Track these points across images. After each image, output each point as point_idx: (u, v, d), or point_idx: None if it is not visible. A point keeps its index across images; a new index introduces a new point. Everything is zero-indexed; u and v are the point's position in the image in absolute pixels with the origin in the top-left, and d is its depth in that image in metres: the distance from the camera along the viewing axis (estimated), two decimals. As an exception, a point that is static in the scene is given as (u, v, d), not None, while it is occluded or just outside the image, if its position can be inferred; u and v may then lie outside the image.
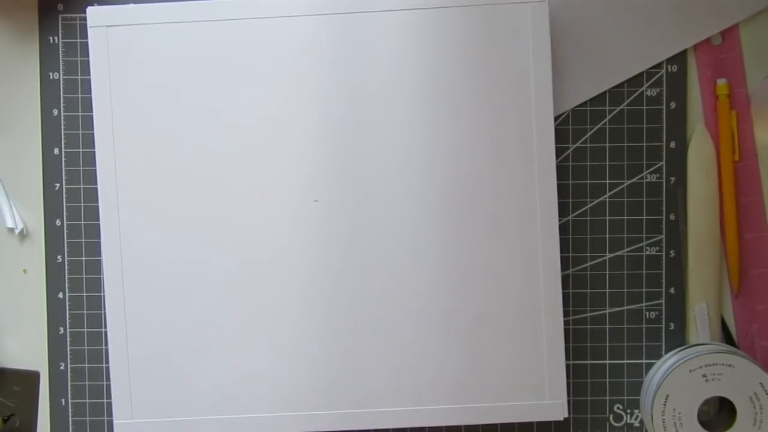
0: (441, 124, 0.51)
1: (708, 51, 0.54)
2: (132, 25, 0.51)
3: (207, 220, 0.51)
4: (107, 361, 0.55)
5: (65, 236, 0.55)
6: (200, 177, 0.51)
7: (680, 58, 0.54)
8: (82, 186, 0.55)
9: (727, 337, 0.54)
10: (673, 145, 0.54)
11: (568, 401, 0.55)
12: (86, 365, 0.55)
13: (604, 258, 0.54)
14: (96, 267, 0.55)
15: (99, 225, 0.52)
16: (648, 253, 0.54)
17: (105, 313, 0.54)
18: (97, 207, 0.54)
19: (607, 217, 0.54)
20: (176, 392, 0.51)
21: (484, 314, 0.51)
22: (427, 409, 0.51)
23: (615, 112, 0.54)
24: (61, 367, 0.55)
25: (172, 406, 0.51)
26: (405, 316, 0.51)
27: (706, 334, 0.54)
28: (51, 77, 0.55)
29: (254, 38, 0.51)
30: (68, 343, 0.55)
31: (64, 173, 0.55)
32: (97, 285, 0.55)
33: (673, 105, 0.54)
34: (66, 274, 0.55)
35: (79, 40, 0.54)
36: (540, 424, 0.55)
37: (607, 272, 0.54)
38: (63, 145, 0.55)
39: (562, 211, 0.54)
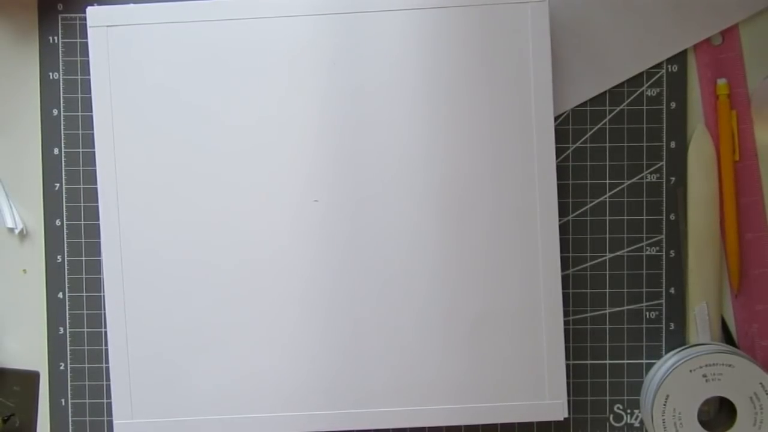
0: (441, 124, 0.51)
1: (708, 51, 0.54)
2: (132, 25, 0.51)
3: (207, 220, 0.51)
4: (107, 361, 0.55)
5: (65, 236, 0.55)
6: (200, 177, 0.51)
7: (680, 58, 0.54)
8: (82, 186, 0.55)
9: (727, 337, 0.54)
10: (673, 145, 0.54)
11: (568, 401, 0.55)
12: (86, 365, 0.55)
13: (604, 258, 0.54)
14: (96, 267, 0.55)
15: (99, 225, 0.52)
16: (648, 253, 0.54)
17: (105, 313, 0.54)
18: (97, 207, 0.54)
19: (607, 217, 0.54)
20: (176, 392, 0.51)
21: (484, 314, 0.51)
22: (427, 409, 0.51)
23: (615, 112, 0.54)
24: (61, 367, 0.55)
25: (172, 406, 0.51)
26: (405, 316, 0.51)
27: (707, 334, 0.54)
28: (51, 77, 0.55)
29: (254, 38, 0.51)
30: (68, 343, 0.55)
31: (64, 173, 0.55)
32: (97, 285, 0.55)
33: (673, 105, 0.54)
34: (66, 274, 0.55)
35: (78, 40, 0.54)
36: (540, 424, 0.55)
37: (607, 272, 0.54)
38: (63, 145, 0.55)
39: (562, 211, 0.54)
